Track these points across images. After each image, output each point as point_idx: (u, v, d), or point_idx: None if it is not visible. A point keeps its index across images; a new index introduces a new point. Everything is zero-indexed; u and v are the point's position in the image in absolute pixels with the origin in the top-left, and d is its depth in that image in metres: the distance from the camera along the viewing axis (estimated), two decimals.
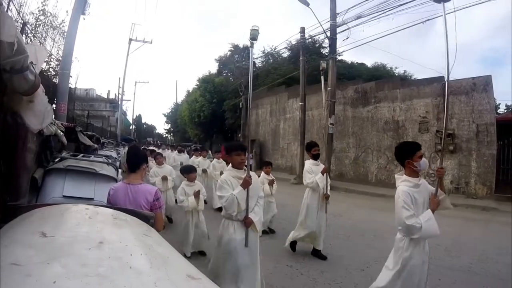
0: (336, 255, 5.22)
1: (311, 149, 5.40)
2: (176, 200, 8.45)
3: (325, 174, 5.19)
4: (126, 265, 0.81)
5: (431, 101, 12.33)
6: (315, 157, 5.38)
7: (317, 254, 5.17)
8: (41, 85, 1.58)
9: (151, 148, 14.56)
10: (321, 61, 6.34)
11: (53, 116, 2.34)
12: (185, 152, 13.31)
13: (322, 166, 5.31)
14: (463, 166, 11.45)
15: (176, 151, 12.84)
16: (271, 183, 6.59)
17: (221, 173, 8.12)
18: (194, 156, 11.09)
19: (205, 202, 6.97)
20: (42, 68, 11.98)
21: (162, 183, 6.83)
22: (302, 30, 15.89)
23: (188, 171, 5.37)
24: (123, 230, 1.18)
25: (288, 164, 19.01)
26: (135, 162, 2.86)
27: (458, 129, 11.59)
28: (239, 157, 3.38)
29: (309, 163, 5.35)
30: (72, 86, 15.26)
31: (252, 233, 3.30)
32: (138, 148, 3.46)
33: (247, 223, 3.24)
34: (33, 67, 1.42)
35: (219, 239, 3.42)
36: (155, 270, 0.84)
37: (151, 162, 8.06)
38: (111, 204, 2.56)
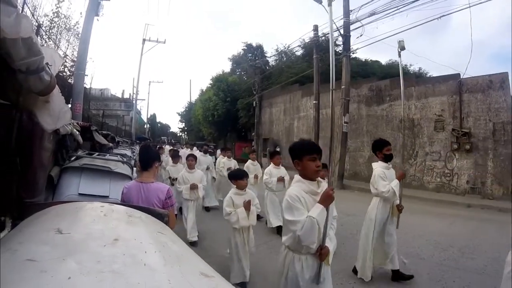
0: (349, 255, 5.10)
1: (382, 148, 4.31)
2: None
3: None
4: (141, 262, 0.82)
5: (447, 99, 12.10)
6: (388, 158, 4.31)
7: (398, 275, 4.24)
8: (56, 86, 1.61)
9: (171, 147, 13.90)
10: (399, 40, 5.16)
11: (71, 116, 2.39)
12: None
13: (393, 170, 4.38)
14: (479, 166, 11.20)
15: (201, 151, 10.73)
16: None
17: (255, 176, 7.59)
18: (220, 156, 10.16)
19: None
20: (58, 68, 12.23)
21: (190, 192, 5.95)
22: (315, 28, 15.80)
23: (238, 177, 4.27)
24: (138, 227, 1.19)
25: None
26: (147, 160, 2.91)
27: (474, 128, 11.34)
28: (314, 162, 2.41)
29: (380, 167, 4.28)
30: (87, 86, 15.51)
31: (324, 265, 2.42)
32: (150, 147, 3.51)
33: (323, 254, 2.33)
34: (49, 68, 1.44)
35: (280, 276, 2.54)
36: (169, 267, 0.84)
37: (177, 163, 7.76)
38: (125, 202, 2.59)
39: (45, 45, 10.28)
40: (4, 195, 1.79)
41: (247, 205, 4.02)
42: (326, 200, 2.33)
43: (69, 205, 1.40)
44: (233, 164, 9.17)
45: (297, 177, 2.52)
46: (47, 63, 1.42)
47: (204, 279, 0.86)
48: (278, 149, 15.39)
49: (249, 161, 8.21)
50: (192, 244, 5.65)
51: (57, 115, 1.68)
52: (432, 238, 6.15)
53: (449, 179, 11.85)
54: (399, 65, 5.37)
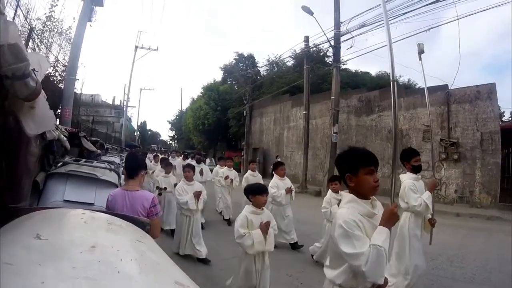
0: None
1: (410, 159, 4.01)
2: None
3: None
4: (115, 270, 0.83)
5: (435, 110, 12.30)
6: (416, 169, 4.03)
7: None
8: (42, 91, 1.62)
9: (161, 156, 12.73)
10: (418, 43, 4.93)
11: (55, 122, 2.39)
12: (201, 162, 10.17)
13: (422, 182, 4.10)
14: (467, 175, 11.40)
15: (194, 160, 10.14)
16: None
17: None
18: (218, 165, 9.52)
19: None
20: (49, 73, 12.18)
21: (195, 201, 5.28)
22: (306, 39, 15.99)
23: (257, 192, 3.56)
24: (117, 235, 1.20)
25: (291, 173, 18.94)
26: (133, 168, 2.92)
27: (462, 138, 11.58)
28: (372, 176, 1.98)
29: (409, 178, 3.97)
30: (78, 92, 15.41)
31: None
32: (137, 155, 3.51)
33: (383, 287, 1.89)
34: (35, 74, 1.46)
35: None
36: (143, 275, 0.85)
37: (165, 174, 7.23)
38: (110, 210, 2.58)
39: (36, 49, 10.23)
40: None
41: (264, 227, 3.39)
42: (390, 220, 1.91)
43: (51, 211, 1.41)
44: (233, 174, 8.61)
45: (348, 195, 2.05)
46: (33, 69, 1.43)
47: None
48: (279, 159, 15.25)
49: (249, 171, 7.68)
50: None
51: (41, 120, 1.69)
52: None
53: (438, 188, 11.92)
54: (421, 68, 5.14)
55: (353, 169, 2.00)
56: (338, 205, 4.09)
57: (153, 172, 8.78)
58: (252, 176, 7.45)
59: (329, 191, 5.16)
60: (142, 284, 0.80)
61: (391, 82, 2.63)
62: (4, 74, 1.26)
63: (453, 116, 11.90)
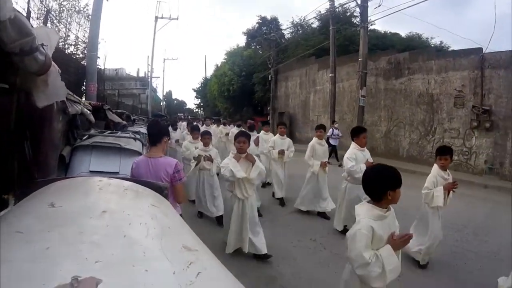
0: None
1: None
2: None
3: None
4: (121, 234, 0.84)
5: (468, 74, 11.57)
6: None
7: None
8: (54, 64, 1.65)
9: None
10: None
11: (66, 92, 2.42)
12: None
13: None
14: (498, 145, 10.80)
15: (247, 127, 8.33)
16: (450, 187, 3.92)
17: (325, 163, 6.04)
18: (262, 131, 7.96)
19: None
20: (71, 51, 12.42)
21: (237, 188, 4.14)
22: None
23: (395, 184, 2.25)
24: (131, 200, 1.22)
25: None
26: (156, 135, 2.95)
27: (495, 106, 10.85)
28: None
29: None
30: (101, 67, 15.68)
31: None
32: (159, 122, 3.54)
33: None
34: (44, 48, 1.47)
35: None
36: (149, 239, 0.86)
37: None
38: (134, 177, 2.66)
39: (56, 29, 10.41)
40: (8, 175, 1.87)
41: (401, 243, 2.14)
42: None
43: (69, 181, 1.45)
44: (287, 143, 6.93)
45: None
46: (42, 44, 1.45)
47: (185, 252, 0.87)
48: (336, 125, 13.77)
49: (315, 139, 6.24)
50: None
51: (52, 91, 1.72)
52: (445, 218, 6.03)
53: (467, 157, 11.53)
54: None
55: None
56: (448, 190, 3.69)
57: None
58: (320, 145, 6.22)
59: (435, 167, 4.02)
60: (145, 248, 0.80)
61: None
62: (12, 50, 1.28)
63: (486, 82, 11.09)
